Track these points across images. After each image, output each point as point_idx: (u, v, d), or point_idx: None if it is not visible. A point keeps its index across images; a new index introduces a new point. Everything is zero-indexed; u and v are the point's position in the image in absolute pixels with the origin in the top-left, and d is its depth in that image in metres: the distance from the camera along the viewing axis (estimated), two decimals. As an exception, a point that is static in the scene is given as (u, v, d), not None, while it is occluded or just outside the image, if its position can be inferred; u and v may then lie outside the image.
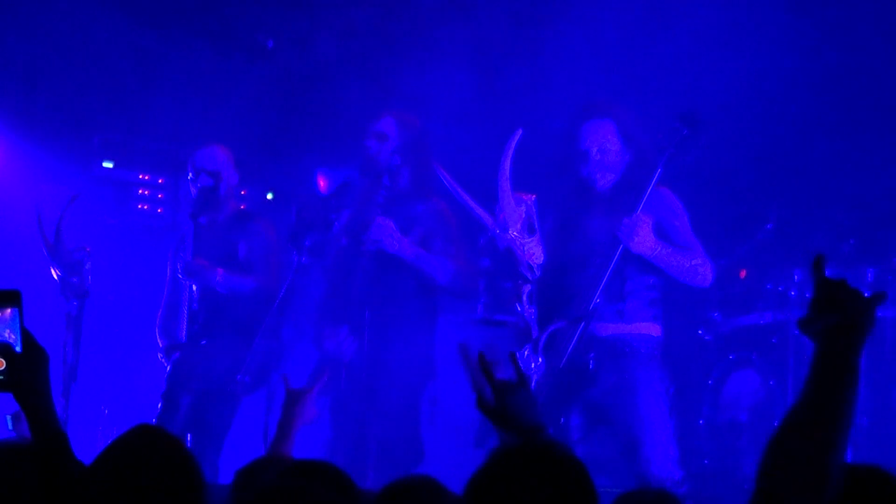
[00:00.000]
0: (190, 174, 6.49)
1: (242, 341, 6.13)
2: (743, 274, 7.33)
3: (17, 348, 2.55)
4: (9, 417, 4.12)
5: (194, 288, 6.35)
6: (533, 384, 5.02)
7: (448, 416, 6.26)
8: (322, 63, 7.45)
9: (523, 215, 5.16)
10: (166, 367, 6.41)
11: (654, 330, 5.46)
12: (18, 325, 2.56)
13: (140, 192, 8.00)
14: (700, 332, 7.23)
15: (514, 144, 5.22)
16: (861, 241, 6.88)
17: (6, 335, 2.55)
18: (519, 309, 5.13)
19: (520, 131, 5.24)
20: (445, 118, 6.66)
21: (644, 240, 5.24)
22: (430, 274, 5.96)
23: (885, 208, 6.92)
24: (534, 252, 5.18)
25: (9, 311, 2.55)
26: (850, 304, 2.23)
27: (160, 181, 8.02)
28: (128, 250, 7.66)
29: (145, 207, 8.00)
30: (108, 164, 7.87)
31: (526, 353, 5.09)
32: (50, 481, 2.51)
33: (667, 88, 6.82)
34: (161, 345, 6.53)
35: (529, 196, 5.22)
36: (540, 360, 5.06)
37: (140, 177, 7.99)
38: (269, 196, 7.97)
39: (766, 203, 7.20)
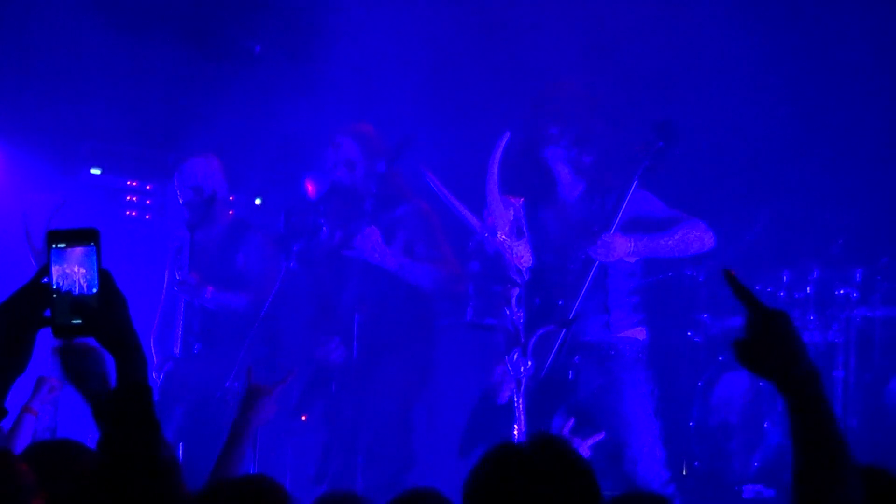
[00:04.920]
0: (178, 190, 6.47)
1: (236, 350, 6.12)
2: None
3: (94, 289, 2.36)
4: None
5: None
6: (522, 388, 5.01)
7: (444, 424, 6.24)
8: (309, 68, 7.44)
9: (511, 218, 5.15)
10: (159, 378, 6.40)
11: (639, 334, 5.45)
12: (95, 263, 2.35)
13: (128, 198, 7.97)
14: (690, 333, 7.23)
15: (501, 147, 5.20)
16: (849, 242, 6.89)
17: (75, 270, 2.35)
18: (508, 312, 5.11)
19: (507, 134, 5.22)
20: (433, 121, 6.65)
21: (620, 247, 5.20)
22: (415, 282, 5.94)
23: (873, 209, 6.93)
24: (522, 255, 5.16)
25: (80, 248, 2.35)
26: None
27: (148, 187, 7.98)
28: (116, 257, 7.62)
29: (133, 214, 7.97)
30: (95, 171, 7.84)
31: (515, 356, 5.08)
32: (126, 434, 2.29)
33: (656, 94, 6.82)
34: (155, 361, 6.50)
35: (517, 199, 5.20)
36: (529, 363, 5.05)
37: (128, 183, 7.96)
38: (258, 202, 7.94)
39: (755, 204, 7.20)
